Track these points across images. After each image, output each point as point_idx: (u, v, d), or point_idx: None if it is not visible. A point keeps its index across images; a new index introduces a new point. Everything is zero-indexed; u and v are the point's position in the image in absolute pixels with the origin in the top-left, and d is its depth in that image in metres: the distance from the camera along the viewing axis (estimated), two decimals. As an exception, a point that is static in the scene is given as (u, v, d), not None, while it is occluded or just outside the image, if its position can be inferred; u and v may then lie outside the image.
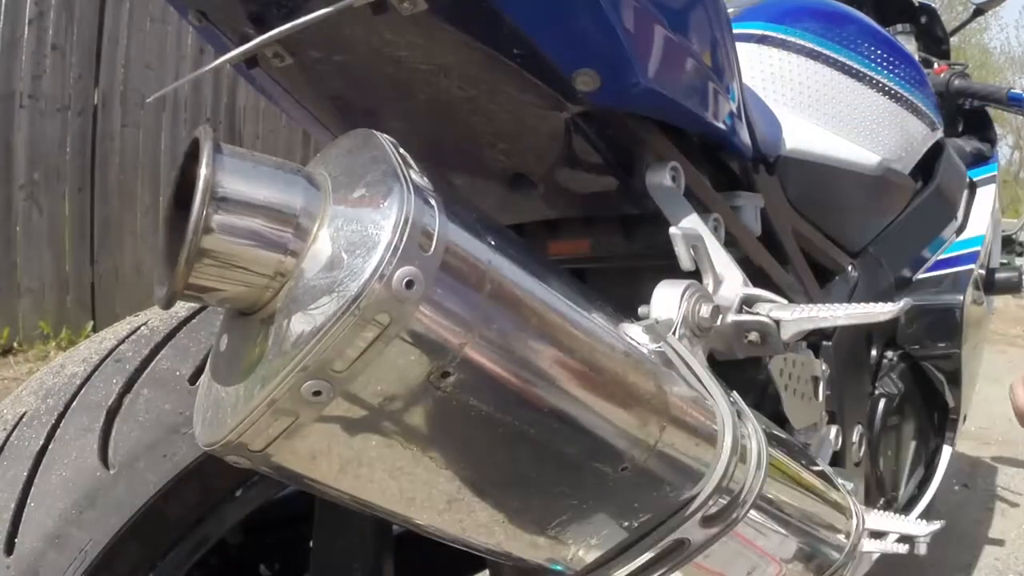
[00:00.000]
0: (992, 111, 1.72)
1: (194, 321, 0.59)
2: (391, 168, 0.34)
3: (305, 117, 0.69)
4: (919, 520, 0.73)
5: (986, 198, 1.44)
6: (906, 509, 1.28)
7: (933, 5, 1.72)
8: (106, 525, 0.52)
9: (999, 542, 2.13)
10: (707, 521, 0.43)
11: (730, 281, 0.59)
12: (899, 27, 1.61)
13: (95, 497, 0.52)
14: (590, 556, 0.43)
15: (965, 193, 1.39)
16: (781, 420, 0.83)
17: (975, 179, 1.46)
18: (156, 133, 3.99)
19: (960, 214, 1.36)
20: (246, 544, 0.77)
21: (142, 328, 0.59)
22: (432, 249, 0.32)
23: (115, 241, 3.87)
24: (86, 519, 0.52)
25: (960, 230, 1.36)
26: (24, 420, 0.56)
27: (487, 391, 0.35)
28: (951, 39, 1.79)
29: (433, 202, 0.34)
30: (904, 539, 0.66)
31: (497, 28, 0.51)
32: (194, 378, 0.55)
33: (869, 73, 1.05)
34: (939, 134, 1.22)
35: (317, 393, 0.32)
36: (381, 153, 0.36)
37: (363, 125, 0.41)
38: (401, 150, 0.37)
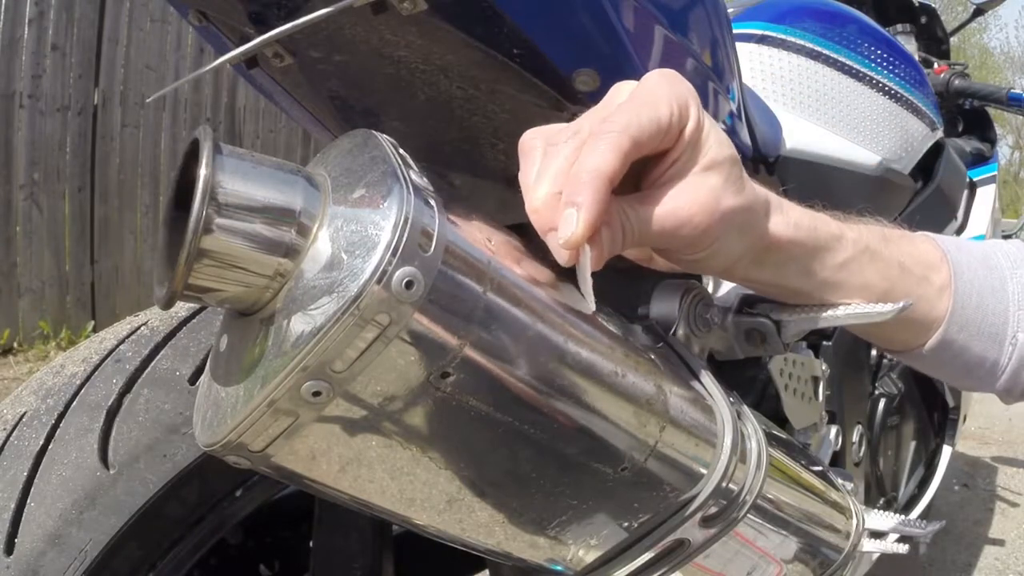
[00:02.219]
0: (992, 111, 1.72)
1: (194, 321, 0.59)
2: (391, 168, 0.34)
3: (305, 117, 0.69)
4: (919, 520, 0.73)
5: (986, 198, 1.44)
6: (906, 509, 1.28)
7: (933, 5, 1.72)
8: (106, 525, 0.52)
9: (999, 542, 2.13)
10: (707, 521, 0.43)
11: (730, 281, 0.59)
12: (899, 27, 1.61)
13: (95, 497, 0.52)
14: (590, 556, 0.43)
15: (965, 193, 1.39)
16: (781, 420, 0.83)
17: (975, 179, 1.46)
18: (156, 133, 3.99)
19: (960, 214, 1.36)
20: (246, 544, 0.77)
21: (142, 328, 0.59)
22: (432, 249, 0.32)
23: (115, 241, 3.87)
24: (86, 519, 0.52)
25: (960, 230, 1.36)
26: (24, 420, 0.56)
27: (487, 391, 0.35)
28: (951, 39, 1.79)
29: (433, 202, 0.34)
30: (904, 539, 0.66)
31: (497, 28, 0.51)
32: (194, 378, 0.55)
33: (869, 73, 1.05)
34: (939, 134, 1.22)
35: (317, 393, 0.32)
36: (381, 153, 0.36)
37: (363, 125, 0.41)
38: (401, 150, 0.37)
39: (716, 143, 0.42)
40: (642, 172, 0.42)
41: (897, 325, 0.52)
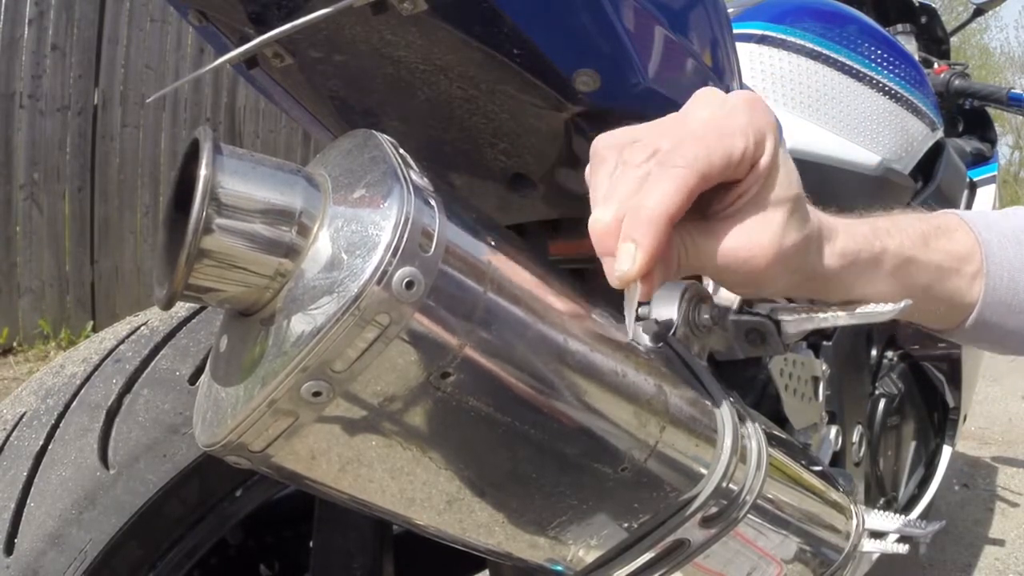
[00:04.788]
0: (992, 111, 1.72)
1: (194, 321, 0.59)
2: (391, 168, 0.34)
3: (305, 117, 0.69)
4: (919, 520, 0.73)
5: (986, 198, 1.44)
6: (906, 509, 1.28)
7: (933, 5, 1.72)
8: (106, 525, 0.53)
9: (999, 542, 2.13)
10: (707, 521, 0.43)
11: (730, 281, 0.59)
12: (899, 27, 1.61)
13: (95, 497, 0.52)
14: (590, 556, 0.43)
15: (965, 193, 1.39)
16: (781, 420, 0.83)
17: (975, 179, 1.46)
18: (156, 133, 4.00)
19: (960, 214, 1.36)
20: (246, 544, 0.77)
21: (142, 328, 0.59)
22: (432, 250, 0.32)
23: (115, 241, 3.87)
24: (86, 519, 0.52)
25: (960, 230, 1.36)
26: (24, 420, 0.56)
27: (487, 391, 0.35)
28: (951, 39, 1.79)
29: (433, 202, 0.34)
30: (904, 539, 0.66)
31: (497, 28, 0.51)
32: (194, 378, 0.56)
33: (869, 73, 1.05)
34: (939, 134, 1.22)
35: (317, 394, 0.32)
36: (381, 153, 0.36)
37: (363, 125, 0.41)
38: (401, 150, 0.37)
39: (786, 180, 0.41)
40: (708, 197, 0.41)
41: (931, 312, 0.54)
